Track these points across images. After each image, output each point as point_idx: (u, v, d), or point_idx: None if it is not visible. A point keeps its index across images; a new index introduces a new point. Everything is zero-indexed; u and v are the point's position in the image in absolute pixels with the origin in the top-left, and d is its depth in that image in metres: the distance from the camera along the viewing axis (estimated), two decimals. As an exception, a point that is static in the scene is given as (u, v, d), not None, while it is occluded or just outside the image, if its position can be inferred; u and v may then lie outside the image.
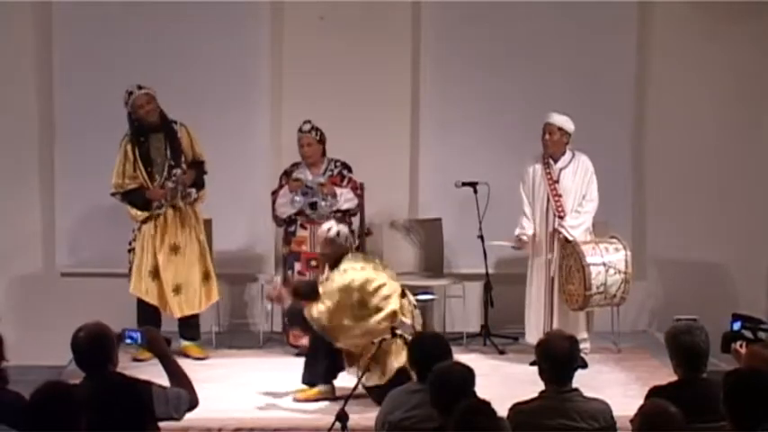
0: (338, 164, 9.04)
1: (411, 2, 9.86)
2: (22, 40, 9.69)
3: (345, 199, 8.95)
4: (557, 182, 8.59)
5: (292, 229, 8.98)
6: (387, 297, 7.57)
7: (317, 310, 7.53)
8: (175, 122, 8.79)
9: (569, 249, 8.48)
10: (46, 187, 9.76)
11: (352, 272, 7.57)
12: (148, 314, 8.70)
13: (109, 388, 4.87)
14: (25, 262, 9.81)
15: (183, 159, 8.73)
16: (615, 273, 8.40)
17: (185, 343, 8.83)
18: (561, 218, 8.54)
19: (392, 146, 9.84)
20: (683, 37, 9.87)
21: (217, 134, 9.17)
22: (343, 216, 8.89)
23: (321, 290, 7.59)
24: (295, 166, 9.05)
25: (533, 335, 8.60)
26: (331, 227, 7.78)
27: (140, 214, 8.72)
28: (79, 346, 5.17)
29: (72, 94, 9.64)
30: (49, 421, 4.57)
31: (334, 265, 7.69)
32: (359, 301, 7.53)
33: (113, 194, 8.74)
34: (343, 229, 7.84)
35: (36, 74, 9.74)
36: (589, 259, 8.33)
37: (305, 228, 8.92)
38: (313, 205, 8.86)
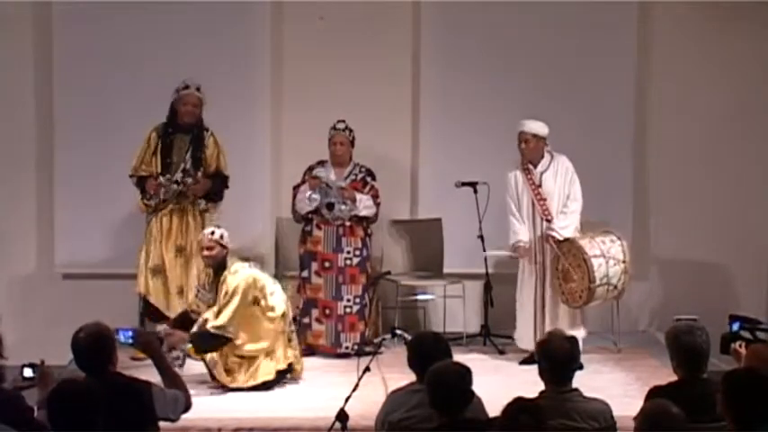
0: (363, 169, 8.99)
1: (411, 2, 9.86)
2: (22, 40, 9.69)
3: (365, 206, 8.88)
4: (539, 186, 8.58)
5: (308, 228, 8.94)
6: (272, 293, 7.86)
7: (222, 319, 7.68)
8: (207, 129, 8.80)
9: (566, 248, 8.48)
10: (45, 187, 9.74)
11: (243, 271, 7.83)
12: (152, 312, 8.74)
13: (109, 388, 4.87)
14: (24, 262, 9.80)
15: (202, 167, 8.72)
16: (615, 263, 8.44)
17: (188, 345, 8.83)
18: (549, 221, 8.53)
19: (392, 146, 9.83)
20: (683, 37, 9.87)
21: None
22: (359, 222, 8.89)
23: (221, 295, 7.74)
24: (321, 163, 8.99)
25: (524, 339, 8.62)
26: (214, 230, 7.92)
27: (144, 205, 8.75)
28: (79, 346, 5.18)
29: (72, 94, 9.64)
30: (71, 419, 4.59)
31: (217, 267, 7.85)
32: (253, 299, 7.79)
33: (131, 176, 8.78)
34: (225, 231, 7.92)
35: (36, 74, 9.73)
36: (590, 251, 8.36)
37: (320, 228, 8.88)
38: (330, 206, 8.80)
